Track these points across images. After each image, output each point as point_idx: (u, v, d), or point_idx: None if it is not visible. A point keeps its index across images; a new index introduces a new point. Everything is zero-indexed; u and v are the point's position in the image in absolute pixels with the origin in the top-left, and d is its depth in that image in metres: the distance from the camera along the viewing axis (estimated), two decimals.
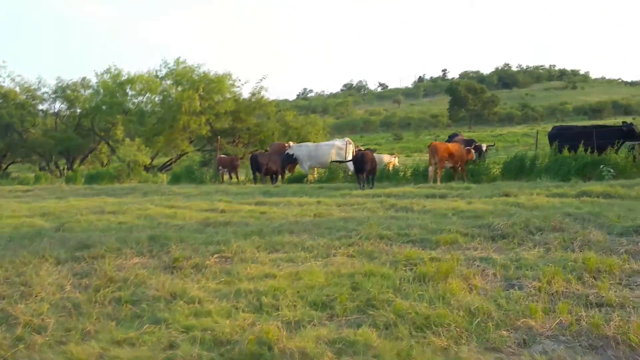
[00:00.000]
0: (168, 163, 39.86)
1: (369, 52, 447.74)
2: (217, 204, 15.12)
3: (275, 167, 23.15)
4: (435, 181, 17.63)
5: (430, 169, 18.01)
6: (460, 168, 18.50)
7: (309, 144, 25.87)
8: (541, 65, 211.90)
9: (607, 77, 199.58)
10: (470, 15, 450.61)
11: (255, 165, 22.87)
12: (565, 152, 17.23)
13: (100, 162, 46.01)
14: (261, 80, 43.28)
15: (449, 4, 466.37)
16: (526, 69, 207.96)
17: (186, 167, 30.24)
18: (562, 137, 18.63)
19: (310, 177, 23.76)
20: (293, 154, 23.51)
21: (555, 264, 6.56)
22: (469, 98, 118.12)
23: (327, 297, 5.93)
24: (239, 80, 41.90)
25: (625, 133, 17.78)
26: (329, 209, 13.09)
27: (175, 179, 27.26)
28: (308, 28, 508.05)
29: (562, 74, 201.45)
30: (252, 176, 23.91)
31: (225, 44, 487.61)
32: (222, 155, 28.29)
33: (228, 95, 40.57)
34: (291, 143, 24.66)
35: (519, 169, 17.98)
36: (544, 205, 11.10)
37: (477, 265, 6.93)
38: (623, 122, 19.42)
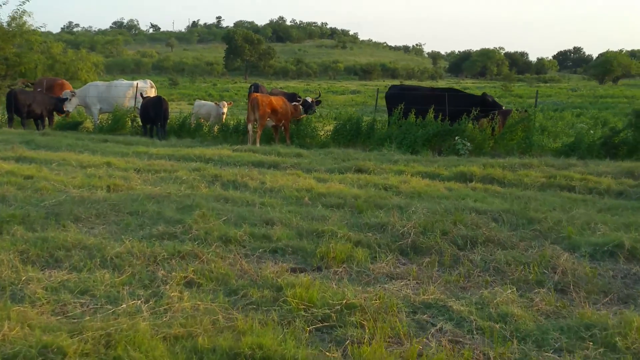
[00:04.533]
0: None
1: None
2: None
3: (40, 110, 18.21)
4: (254, 142, 14.39)
5: (249, 126, 14.58)
6: (283, 127, 15.31)
7: (99, 83, 20.97)
8: (314, 22, 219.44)
9: (373, 40, 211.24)
10: None
11: (15, 105, 17.80)
12: (412, 117, 14.72)
13: None
14: (23, 3, 36.21)
15: None
16: (299, 24, 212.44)
17: None
18: (405, 99, 15.70)
19: (88, 124, 19.29)
20: (67, 98, 18.68)
21: (576, 335, 3.83)
22: (246, 48, 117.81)
23: None
24: None
25: (483, 100, 15.60)
26: (127, 176, 9.60)
27: None
28: None
29: (333, 32, 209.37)
30: (7, 117, 18.72)
31: None
32: None
33: None
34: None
35: (354, 134, 15.20)
36: (428, 192, 8.49)
37: (437, 328, 4.02)
38: (483, 93, 17.32)
